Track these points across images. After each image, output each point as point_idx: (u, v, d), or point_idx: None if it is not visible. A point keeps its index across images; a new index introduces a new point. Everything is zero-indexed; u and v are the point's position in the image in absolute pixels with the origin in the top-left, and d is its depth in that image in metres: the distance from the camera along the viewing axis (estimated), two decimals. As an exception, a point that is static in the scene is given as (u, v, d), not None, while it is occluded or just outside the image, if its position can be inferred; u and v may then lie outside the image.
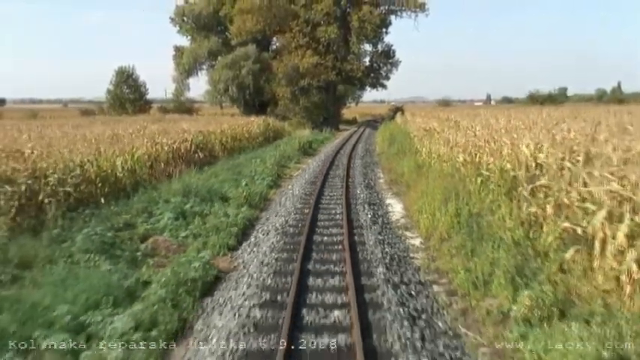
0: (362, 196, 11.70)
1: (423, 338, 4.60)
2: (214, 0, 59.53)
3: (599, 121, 11.72)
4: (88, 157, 11.49)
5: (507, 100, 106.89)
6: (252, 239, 8.46)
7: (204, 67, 62.16)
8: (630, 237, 5.02)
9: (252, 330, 4.70)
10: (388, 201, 11.87)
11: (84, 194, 10.33)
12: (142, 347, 4.64)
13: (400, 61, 51.32)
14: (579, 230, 5.75)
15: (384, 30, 49.55)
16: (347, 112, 70.70)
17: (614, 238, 5.14)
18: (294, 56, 46.33)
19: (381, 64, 51.09)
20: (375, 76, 51.63)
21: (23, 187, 8.58)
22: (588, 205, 5.85)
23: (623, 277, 4.91)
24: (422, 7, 47.47)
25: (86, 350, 4.57)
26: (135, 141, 14.90)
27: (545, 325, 4.73)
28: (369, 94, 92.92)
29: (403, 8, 48.12)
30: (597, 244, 5.39)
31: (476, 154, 10.97)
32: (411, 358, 4.14)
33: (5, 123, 26.97)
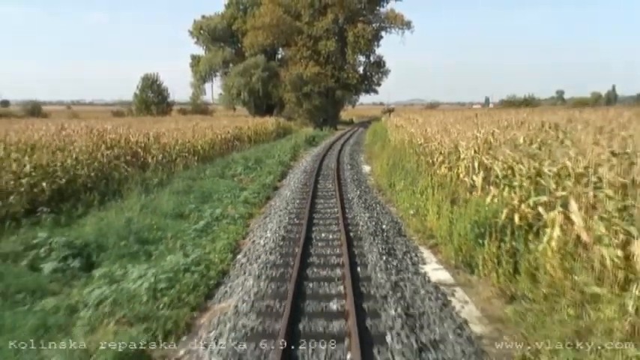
0: (347, 161, 19.97)
1: (360, 192, 12.77)
2: (228, 15, 68.05)
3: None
4: (186, 139, 19.68)
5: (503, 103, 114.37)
6: (288, 177, 16.62)
7: (218, 74, 70.47)
8: (448, 167, 13.07)
9: (299, 191, 12.91)
10: (362, 165, 20.05)
11: (188, 159, 18.50)
12: (257, 198, 12.73)
13: (390, 70, 59.73)
14: (431, 161, 13.85)
15: (375, 44, 57.88)
16: (344, 114, 78.94)
17: (441, 163, 13.23)
18: (299, 66, 54.49)
19: (373, 73, 59.44)
20: (368, 83, 59.96)
21: (172, 153, 16.83)
22: (440, 153, 13.94)
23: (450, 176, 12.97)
24: (408, 25, 55.87)
25: (238, 197, 12.63)
26: (204, 131, 23.08)
27: (405, 191, 12.78)
28: (369, 97, 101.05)
29: (392, 26, 56.46)
30: (437, 165, 13.47)
31: (413, 137, 19.08)
32: (354, 193, 12.32)
33: (74, 122, 34.93)
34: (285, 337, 4.32)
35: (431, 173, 12.49)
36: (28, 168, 9.70)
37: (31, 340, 4.79)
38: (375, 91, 60.98)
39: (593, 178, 5.87)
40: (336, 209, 10.25)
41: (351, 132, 46.12)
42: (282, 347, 4.11)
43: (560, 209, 6.13)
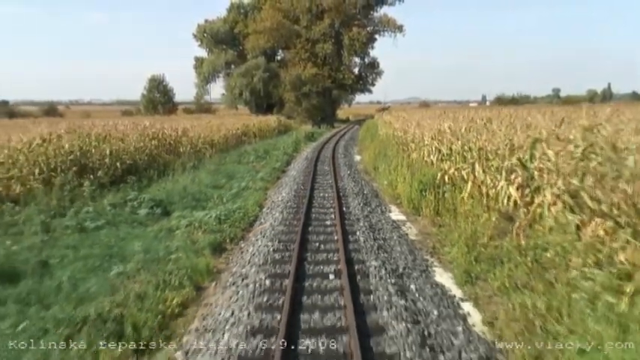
0: (341, 152, 23.71)
1: (350, 172, 16.48)
2: (230, 19, 71.63)
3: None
4: (205, 134, 23.35)
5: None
6: (293, 163, 20.31)
7: (221, 74, 74.05)
8: (418, 152, 16.75)
9: (302, 171, 16.60)
10: (354, 155, 23.76)
11: (209, 150, 22.16)
12: (270, 177, 16.41)
13: (383, 71, 63.56)
14: (406, 148, 17.52)
15: (370, 46, 61.63)
16: (341, 113, 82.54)
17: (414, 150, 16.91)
18: (298, 67, 58.18)
19: (368, 74, 63.25)
20: (363, 83, 63.78)
21: (197, 144, 20.52)
22: (413, 142, 17.63)
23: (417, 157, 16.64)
24: (400, 29, 59.69)
25: (255, 176, 16.29)
26: (218, 128, 26.76)
27: (390, 170, 16.45)
28: (367, 96, 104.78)
29: (385, 29, 60.22)
30: (411, 151, 17.15)
31: (396, 130, 22.76)
32: (345, 172, 16.04)
33: (86, 121, 38.52)
34: (301, 233, 8.00)
35: (404, 157, 16.18)
36: (107, 152, 13.36)
37: (155, 241, 8.45)
38: (370, 91, 64.99)
39: (488, 149, 9.59)
40: (331, 181, 13.95)
41: (347, 129, 49.80)
42: (300, 235, 7.80)
43: (471, 170, 9.83)
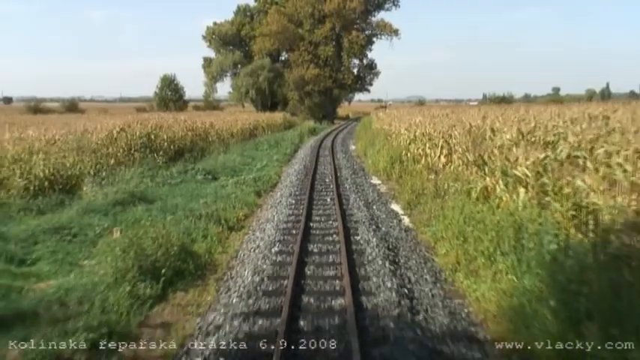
0: (339, 142, 28.57)
1: (345, 156, 21.29)
2: (237, 22, 76.33)
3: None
4: (226, 126, 28.16)
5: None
6: (299, 151, 25.10)
7: (228, 74, 78.74)
8: (397, 139, 21.49)
9: (308, 155, 21.40)
10: (350, 145, 28.57)
11: (231, 140, 26.93)
12: (283, 159, 21.18)
13: (380, 72, 68.33)
14: (389, 137, 22.29)
15: (369, 47, 66.33)
16: (341, 110, 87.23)
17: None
18: (301, 68, 62.82)
19: (366, 74, 67.97)
20: (362, 83, 68.51)
21: (222, 135, 25.35)
22: (394, 132, 22.40)
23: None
24: (396, 33, 64.33)
25: (271, 158, 21.04)
26: (235, 122, 31.58)
27: (375, 153, 21.21)
28: (367, 95, 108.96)
29: (382, 33, 64.92)
30: (392, 139, 21.92)
31: (384, 124, 27.52)
32: (341, 155, 20.86)
33: (110, 116, 43.32)
34: (310, 184, 12.78)
35: (386, 143, 20.98)
36: (165, 137, 18.16)
37: (217, 189, 13.21)
38: (368, 90, 69.82)
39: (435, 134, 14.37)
40: (330, 160, 18.77)
41: (346, 125, 54.65)
42: (309, 185, 12.60)
43: (423, 148, 14.61)
